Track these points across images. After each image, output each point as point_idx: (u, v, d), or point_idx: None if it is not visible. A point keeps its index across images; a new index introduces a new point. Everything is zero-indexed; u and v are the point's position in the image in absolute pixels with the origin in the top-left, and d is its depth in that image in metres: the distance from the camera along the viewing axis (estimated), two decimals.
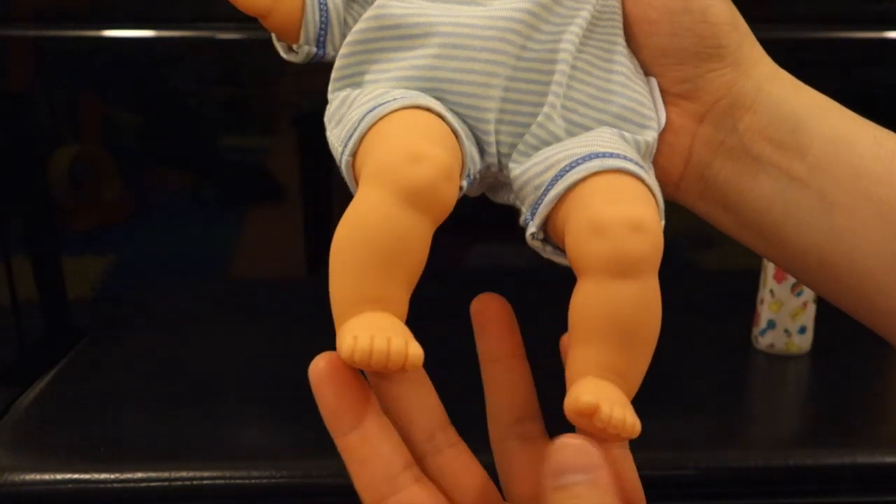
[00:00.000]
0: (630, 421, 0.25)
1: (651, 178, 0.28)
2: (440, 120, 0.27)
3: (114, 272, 0.98)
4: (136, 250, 0.98)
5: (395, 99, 0.27)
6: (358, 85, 0.29)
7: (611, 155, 0.27)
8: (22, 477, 0.53)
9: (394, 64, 0.29)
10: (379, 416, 0.26)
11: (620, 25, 0.31)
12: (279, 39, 0.32)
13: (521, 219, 0.29)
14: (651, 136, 0.30)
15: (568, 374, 0.26)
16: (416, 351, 0.24)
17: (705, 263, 0.99)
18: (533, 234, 0.28)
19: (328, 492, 0.54)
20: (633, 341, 0.26)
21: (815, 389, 0.71)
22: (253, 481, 0.54)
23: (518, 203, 0.30)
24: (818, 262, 0.30)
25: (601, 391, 0.25)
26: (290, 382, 0.72)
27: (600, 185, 0.26)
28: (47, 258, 0.95)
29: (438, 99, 0.28)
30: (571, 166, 0.27)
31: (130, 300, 0.91)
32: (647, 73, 0.32)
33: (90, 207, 0.96)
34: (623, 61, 0.30)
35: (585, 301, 0.26)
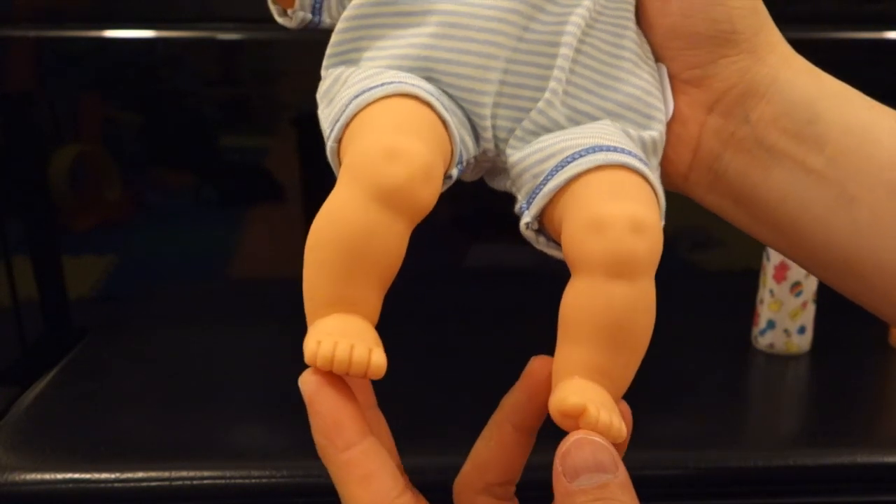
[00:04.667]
0: (616, 425, 0.24)
1: (655, 178, 0.27)
2: (427, 108, 0.25)
3: (114, 272, 0.98)
4: (136, 250, 0.98)
5: (382, 84, 0.25)
6: (354, 63, 0.28)
7: (615, 149, 0.26)
8: (22, 477, 0.53)
9: (391, 41, 0.27)
10: (373, 434, 0.25)
11: (632, 7, 0.29)
12: (274, 2, 0.30)
13: (517, 207, 0.28)
14: (658, 129, 0.29)
15: (554, 373, 0.25)
16: (378, 360, 0.23)
17: (705, 263, 0.99)
18: (527, 224, 0.27)
19: (328, 492, 0.53)
20: (624, 344, 0.25)
21: (814, 389, 0.71)
22: (253, 481, 0.54)
23: (514, 190, 0.29)
24: (839, 258, 0.29)
25: (587, 393, 0.24)
26: (290, 382, 0.71)
27: (603, 180, 0.26)
28: (48, 258, 0.95)
29: (433, 80, 0.27)
30: (574, 157, 0.26)
31: (131, 300, 0.91)
32: (656, 58, 0.30)
33: (90, 207, 0.96)
34: (632, 46, 0.29)
35: (577, 299, 0.25)
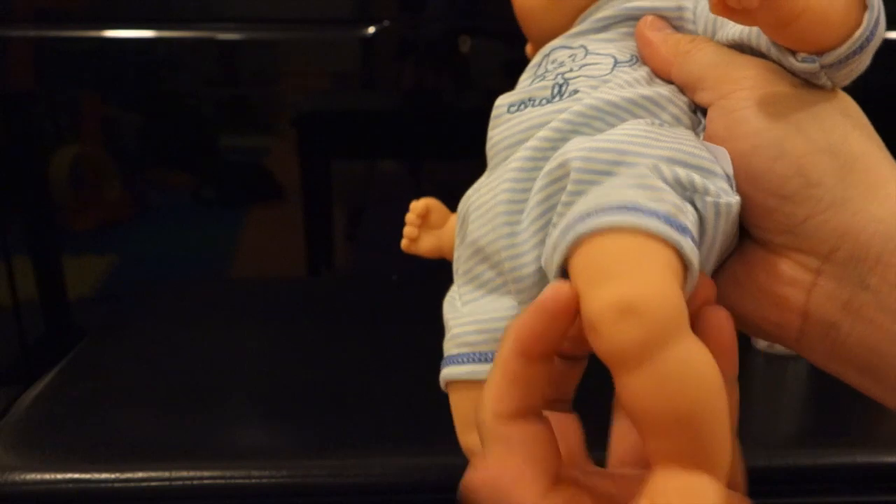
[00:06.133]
0: None
1: (664, 226, 0.22)
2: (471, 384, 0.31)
3: (114, 272, 0.98)
4: (136, 250, 0.98)
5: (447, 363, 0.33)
6: None
7: (603, 210, 0.23)
8: (22, 477, 0.53)
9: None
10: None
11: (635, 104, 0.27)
12: None
13: None
14: (700, 174, 0.25)
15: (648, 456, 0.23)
16: None
17: None
18: None
19: (328, 492, 0.54)
20: (682, 422, 0.22)
21: (814, 389, 0.71)
22: (253, 481, 0.54)
23: None
24: None
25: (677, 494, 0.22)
26: (290, 382, 0.72)
27: (588, 258, 0.23)
28: (48, 258, 0.95)
29: (496, 267, 0.30)
30: (565, 229, 0.24)
31: (131, 300, 0.91)
32: (748, 228, 0.27)
33: (91, 207, 0.96)
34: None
35: (618, 394, 0.23)
